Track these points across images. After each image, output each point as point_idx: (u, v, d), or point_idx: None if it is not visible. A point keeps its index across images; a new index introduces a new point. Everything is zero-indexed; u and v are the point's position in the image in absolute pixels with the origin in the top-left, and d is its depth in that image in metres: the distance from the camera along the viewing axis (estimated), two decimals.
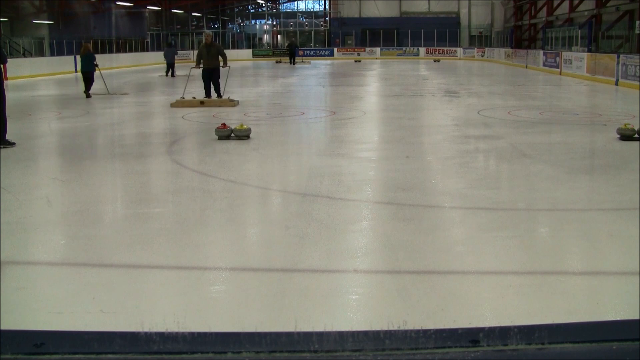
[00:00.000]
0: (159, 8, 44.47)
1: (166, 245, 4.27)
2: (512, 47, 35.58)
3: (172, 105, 13.16)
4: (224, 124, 8.59)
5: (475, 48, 42.79)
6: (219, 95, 13.62)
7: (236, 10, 52.64)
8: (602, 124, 10.09)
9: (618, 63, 17.81)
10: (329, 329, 0.97)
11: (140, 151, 8.11)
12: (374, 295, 3.48)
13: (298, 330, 0.96)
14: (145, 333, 0.94)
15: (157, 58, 40.76)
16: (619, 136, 8.24)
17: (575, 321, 1.12)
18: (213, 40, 14.24)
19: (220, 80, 13.62)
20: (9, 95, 17.81)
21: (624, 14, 24.77)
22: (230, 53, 51.46)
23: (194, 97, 13.32)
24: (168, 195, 5.77)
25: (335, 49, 45.02)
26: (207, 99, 13.37)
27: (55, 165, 7.57)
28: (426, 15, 46.07)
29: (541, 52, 27.99)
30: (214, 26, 51.60)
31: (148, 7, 43.85)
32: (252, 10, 53.55)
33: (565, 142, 8.70)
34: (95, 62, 15.53)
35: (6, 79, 23.52)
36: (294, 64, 32.89)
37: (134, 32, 42.38)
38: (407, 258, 3.94)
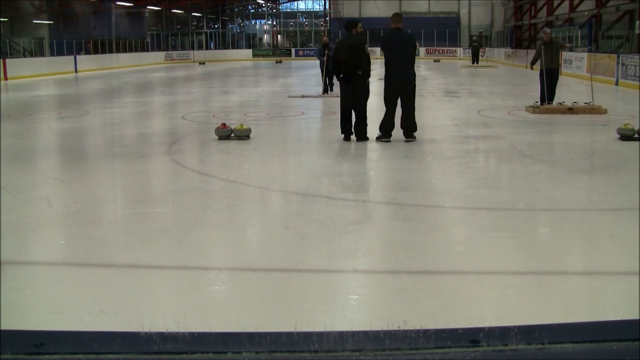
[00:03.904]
0: (159, 8, 44.50)
1: (166, 245, 4.27)
2: (512, 47, 35.57)
3: (534, 111, 11.37)
4: (224, 124, 8.60)
5: None
6: (551, 101, 11.99)
7: (236, 10, 52.64)
8: (602, 124, 10.08)
9: (618, 63, 17.80)
10: (329, 329, 0.97)
11: (141, 151, 8.10)
12: (374, 295, 3.48)
13: (298, 330, 0.96)
14: (145, 333, 0.94)
15: (156, 58, 40.85)
16: (619, 136, 8.24)
17: (575, 321, 1.12)
18: (554, 37, 12.04)
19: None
20: (9, 95, 17.86)
21: (624, 14, 24.78)
22: (230, 53, 50.80)
23: (562, 103, 11.65)
24: (168, 195, 5.77)
25: None
26: (574, 104, 11.46)
27: (55, 165, 7.57)
28: (426, 15, 46.07)
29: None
30: (214, 26, 51.60)
31: (148, 7, 43.87)
32: (252, 10, 53.55)
33: (565, 142, 8.70)
34: None
35: (6, 78, 23.59)
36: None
37: (133, 32, 42.40)
38: (407, 258, 3.93)
